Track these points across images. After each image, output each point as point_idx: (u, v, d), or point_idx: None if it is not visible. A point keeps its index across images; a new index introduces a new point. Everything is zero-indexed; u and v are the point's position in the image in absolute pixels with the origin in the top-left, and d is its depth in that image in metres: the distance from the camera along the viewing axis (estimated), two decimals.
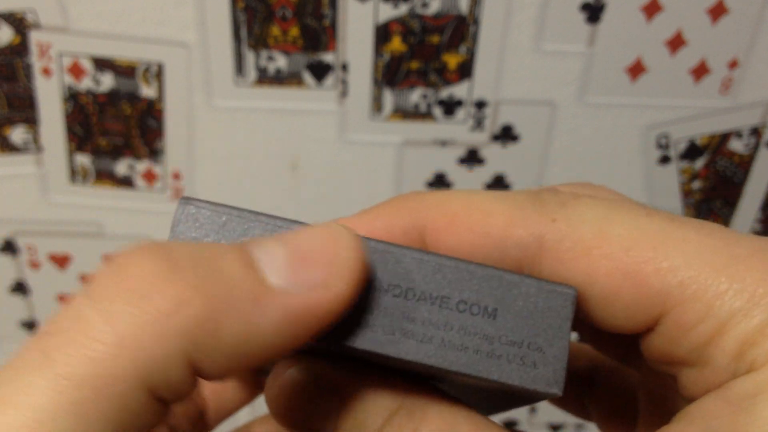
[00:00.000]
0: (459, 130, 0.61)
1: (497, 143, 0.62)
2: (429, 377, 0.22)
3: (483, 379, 0.20)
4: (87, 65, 0.58)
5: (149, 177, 0.63)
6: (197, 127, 0.60)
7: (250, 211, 0.20)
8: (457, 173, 0.64)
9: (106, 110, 0.60)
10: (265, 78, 0.59)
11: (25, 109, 0.59)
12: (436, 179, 0.64)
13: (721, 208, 0.67)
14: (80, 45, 0.57)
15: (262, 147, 0.62)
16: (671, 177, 0.65)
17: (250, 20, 0.56)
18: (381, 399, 0.21)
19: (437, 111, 0.60)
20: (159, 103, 0.59)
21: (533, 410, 0.77)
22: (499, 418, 0.22)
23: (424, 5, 0.56)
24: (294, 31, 0.57)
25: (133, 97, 0.59)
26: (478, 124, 0.61)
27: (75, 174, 0.62)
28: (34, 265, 0.67)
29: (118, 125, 0.60)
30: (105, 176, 0.63)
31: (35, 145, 0.61)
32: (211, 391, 0.32)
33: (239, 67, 0.58)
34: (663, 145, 0.63)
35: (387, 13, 0.56)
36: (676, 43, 0.58)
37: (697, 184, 0.65)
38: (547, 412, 0.77)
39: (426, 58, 0.58)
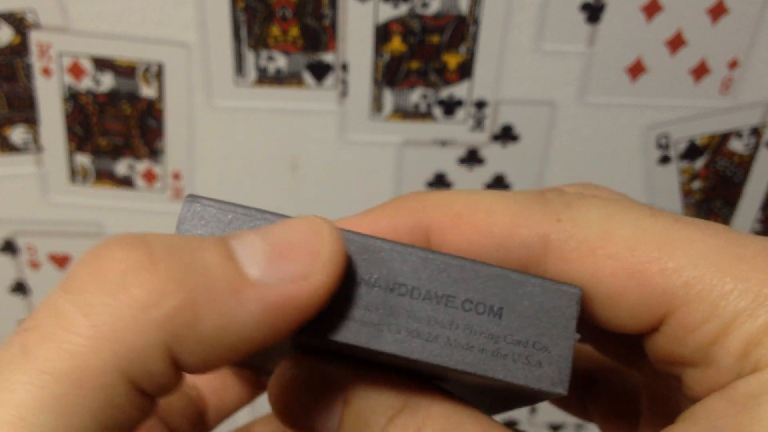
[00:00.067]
0: (459, 130, 0.61)
1: (497, 143, 0.62)
2: (433, 376, 0.22)
3: (488, 378, 0.20)
4: (87, 65, 0.57)
5: (149, 177, 0.63)
6: (197, 127, 0.60)
7: (256, 209, 0.20)
8: (457, 173, 0.64)
9: (106, 110, 0.60)
10: (265, 78, 0.59)
11: (25, 109, 0.59)
12: (436, 179, 0.64)
13: (721, 208, 0.67)
14: (80, 45, 0.57)
15: (262, 147, 0.62)
16: (671, 177, 0.65)
17: (250, 20, 0.56)
18: (385, 398, 0.21)
19: (437, 111, 0.60)
20: (159, 103, 0.59)
21: (533, 410, 0.77)
22: (498, 418, 0.22)
23: (424, 5, 0.56)
24: (294, 31, 0.57)
25: (133, 97, 0.59)
26: (478, 124, 0.61)
27: (75, 174, 0.62)
28: (34, 265, 0.67)
29: (118, 125, 0.60)
30: (105, 176, 0.63)
31: (35, 145, 0.61)
32: (211, 391, 0.32)
33: (239, 67, 0.58)
34: (663, 145, 0.63)
35: (387, 13, 0.56)
36: (676, 43, 0.58)
37: (697, 184, 0.65)
38: (547, 412, 0.77)
39: (426, 58, 0.58)
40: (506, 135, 0.62)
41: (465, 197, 0.22)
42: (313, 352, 0.23)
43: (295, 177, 0.63)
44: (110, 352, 0.16)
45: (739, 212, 0.67)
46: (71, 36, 0.56)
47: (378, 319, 0.20)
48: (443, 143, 0.62)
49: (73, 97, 0.59)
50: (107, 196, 0.64)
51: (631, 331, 0.21)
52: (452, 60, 0.58)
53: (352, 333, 0.20)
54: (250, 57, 0.58)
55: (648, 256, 0.20)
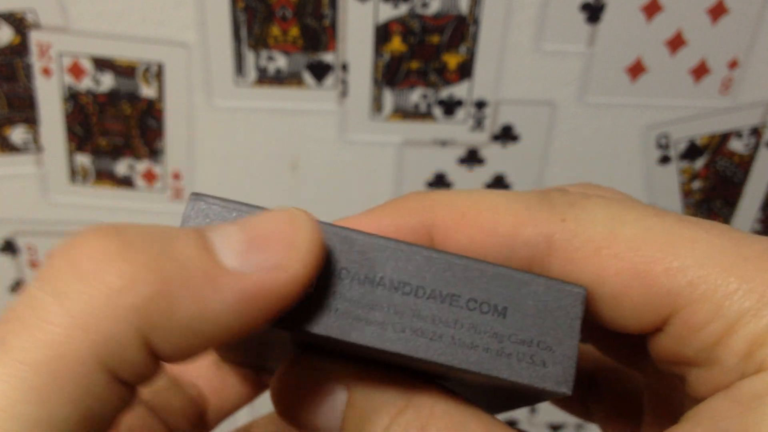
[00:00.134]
0: (459, 130, 0.61)
1: (497, 143, 0.62)
2: (436, 375, 0.22)
3: (492, 377, 0.20)
4: (87, 65, 0.57)
5: (149, 177, 0.63)
6: (197, 127, 0.60)
7: (261, 208, 0.20)
8: (457, 173, 0.64)
9: (106, 110, 0.59)
10: (265, 78, 0.59)
11: (25, 109, 0.59)
12: (436, 179, 0.64)
13: (721, 208, 0.67)
14: (80, 45, 0.57)
15: (262, 147, 0.62)
16: (671, 177, 0.65)
17: (250, 20, 0.56)
18: (388, 396, 0.21)
19: (437, 111, 0.60)
20: (159, 103, 0.59)
21: (533, 410, 0.77)
22: (499, 417, 0.22)
23: (424, 5, 0.56)
24: (294, 31, 0.57)
25: (133, 97, 0.59)
26: (478, 124, 0.61)
27: (75, 174, 0.62)
28: (34, 265, 0.67)
29: (118, 125, 0.60)
30: (105, 176, 0.63)
31: (35, 145, 0.61)
32: (211, 391, 0.32)
33: (239, 67, 0.58)
34: (663, 145, 0.63)
35: (387, 13, 0.56)
36: (676, 43, 0.58)
37: (697, 184, 0.65)
38: (548, 412, 0.77)
39: (426, 58, 0.58)
40: (506, 135, 0.62)
41: (469, 197, 0.22)
42: (316, 350, 0.23)
43: (295, 177, 0.63)
44: (86, 340, 0.16)
45: (739, 212, 0.67)
46: (71, 36, 0.56)
47: (382, 317, 0.20)
48: (443, 143, 0.62)
49: (73, 97, 0.59)
50: (107, 196, 0.64)
51: (636, 331, 0.21)
52: (452, 60, 0.58)
53: (357, 331, 0.20)
54: (250, 57, 0.58)
55: (652, 255, 0.20)
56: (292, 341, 0.22)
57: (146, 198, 0.64)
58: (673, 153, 0.63)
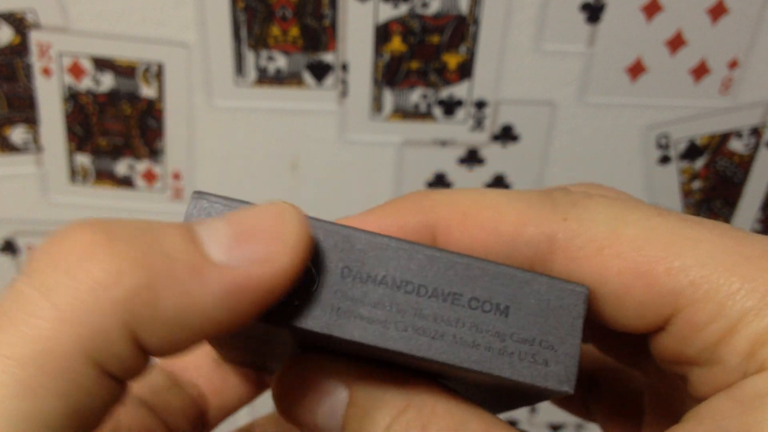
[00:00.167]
0: (459, 130, 0.61)
1: (497, 143, 0.62)
2: (438, 374, 0.22)
3: (494, 376, 0.20)
4: (87, 65, 0.57)
5: (149, 177, 0.63)
6: (197, 127, 0.60)
7: None
8: (457, 173, 0.64)
9: (106, 110, 0.59)
10: (265, 78, 0.59)
11: (25, 109, 0.59)
12: (436, 179, 0.64)
13: (721, 208, 0.67)
14: (80, 45, 0.57)
15: (262, 147, 0.61)
16: (671, 177, 0.65)
17: (250, 20, 0.56)
18: (389, 396, 0.21)
19: (437, 111, 0.60)
20: (159, 103, 0.59)
21: (533, 410, 0.77)
22: (499, 417, 0.22)
23: (424, 5, 0.56)
24: (294, 31, 0.57)
25: (133, 97, 0.59)
26: (478, 124, 0.61)
27: (75, 174, 0.62)
28: None
29: (118, 125, 0.60)
30: (105, 176, 0.63)
31: (35, 145, 0.61)
32: (212, 390, 0.32)
33: (239, 67, 0.58)
34: (663, 145, 0.63)
35: (387, 13, 0.56)
36: (676, 43, 0.58)
37: (697, 184, 0.65)
38: (548, 412, 0.77)
39: (426, 58, 0.58)
40: (506, 135, 0.62)
41: (471, 196, 0.22)
42: (317, 349, 0.23)
43: (295, 177, 0.63)
44: (72, 334, 0.16)
45: (739, 212, 0.67)
46: (71, 36, 0.56)
47: (385, 316, 0.20)
48: (443, 143, 0.62)
49: (73, 97, 0.59)
50: (107, 196, 0.63)
51: (638, 331, 0.21)
52: (452, 60, 0.58)
53: (359, 330, 0.20)
54: (250, 57, 0.58)
55: (655, 255, 0.20)
56: (293, 340, 0.22)
57: (146, 198, 0.64)
58: (673, 153, 0.63)
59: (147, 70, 0.58)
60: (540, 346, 0.20)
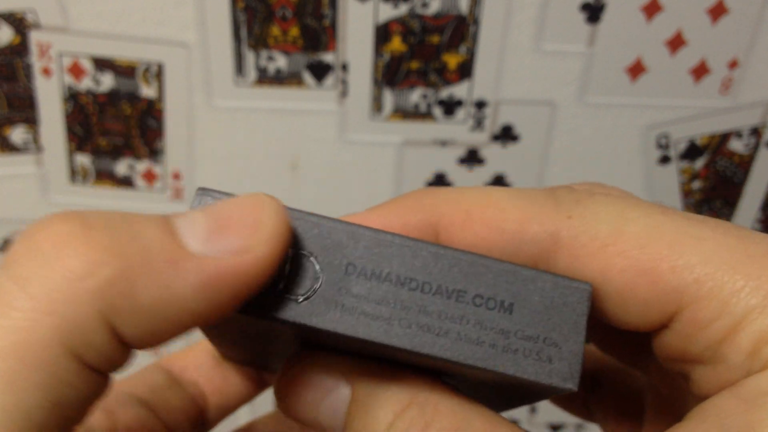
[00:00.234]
0: (459, 130, 0.61)
1: (497, 143, 0.62)
2: (441, 371, 0.22)
3: (498, 373, 0.20)
4: (87, 65, 0.57)
5: (149, 177, 0.63)
6: (197, 127, 0.60)
7: None
8: (457, 173, 0.64)
9: (106, 110, 0.59)
10: (265, 78, 0.59)
11: (25, 109, 0.59)
12: (436, 179, 0.64)
13: (721, 208, 0.67)
14: (80, 45, 0.57)
15: (262, 147, 0.61)
16: (671, 177, 0.65)
17: (250, 20, 0.56)
18: (392, 393, 0.21)
19: (437, 111, 0.60)
20: (159, 103, 0.59)
21: (533, 410, 0.77)
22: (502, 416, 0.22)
23: (424, 5, 0.56)
24: (294, 31, 0.57)
25: (133, 97, 0.59)
26: (478, 124, 0.61)
27: (75, 174, 0.62)
28: None
29: (118, 125, 0.60)
30: (105, 176, 0.63)
31: (35, 145, 0.61)
32: (212, 389, 0.32)
33: (239, 67, 0.58)
34: (663, 145, 0.63)
35: (387, 13, 0.56)
36: (676, 43, 0.58)
37: (697, 184, 0.65)
38: (548, 412, 0.77)
39: (426, 58, 0.58)
40: (506, 135, 0.62)
41: (475, 194, 0.22)
42: (319, 347, 0.23)
43: (295, 177, 0.63)
44: (50, 325, 0.16)
45: (739, 212, 0.67)
46: (71, 36, 0.56)
47: (389, 313, 0.20)
48: (443, 143, 0.62)
49: (73, 97, 0.59)
50: (107, 196, 0.63)
51: (641, 329, 0.21)
52: (452, 60, 0.58)
53: (363, 327, 0.20)
54: (250, 57, 0.58)
55: (659, 253, 0.20)
56: (295, 338, 0.22)
57: (146, 198, 0.64)
58: (673, 153, 0.63)
59: (147, 70, 0.58)
60: (544, 343, 0.20)
